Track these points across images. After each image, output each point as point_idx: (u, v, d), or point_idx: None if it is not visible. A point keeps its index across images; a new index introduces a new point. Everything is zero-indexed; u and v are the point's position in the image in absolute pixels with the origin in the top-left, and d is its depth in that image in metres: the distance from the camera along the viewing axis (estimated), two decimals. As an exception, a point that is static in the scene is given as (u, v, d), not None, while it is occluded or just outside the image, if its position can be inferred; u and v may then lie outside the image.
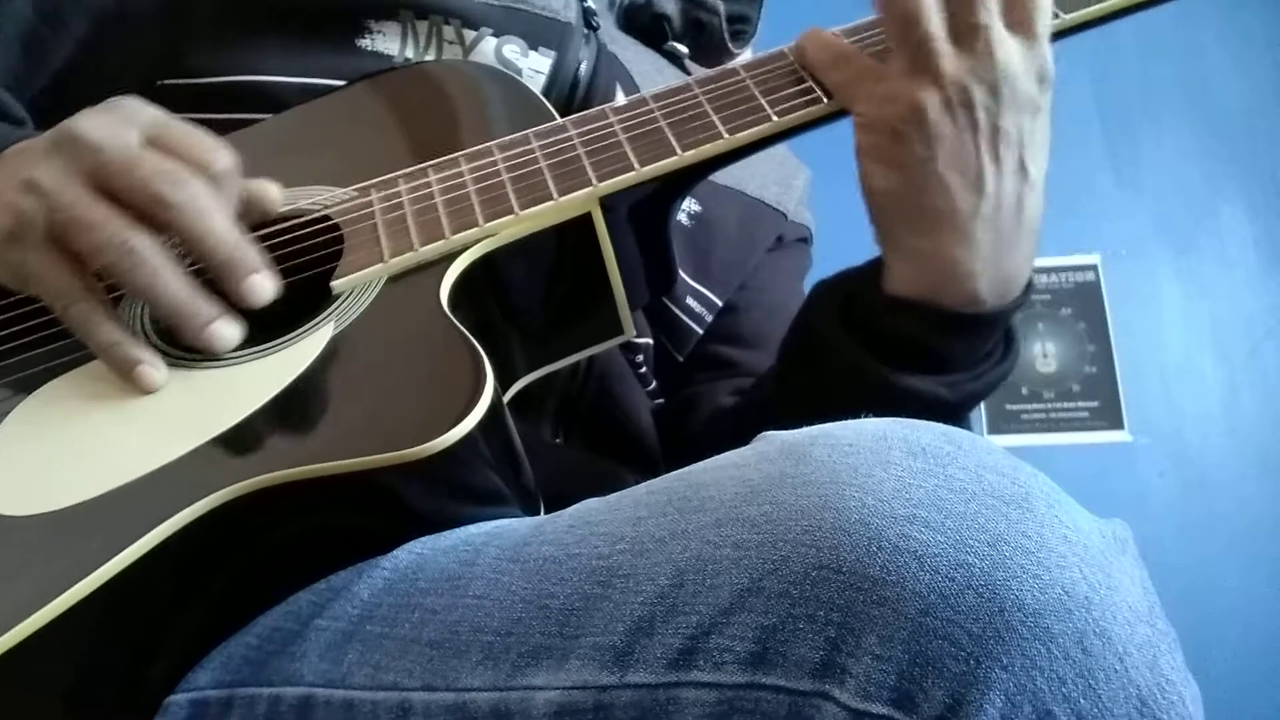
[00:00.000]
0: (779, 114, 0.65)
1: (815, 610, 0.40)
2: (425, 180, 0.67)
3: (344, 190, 0.68)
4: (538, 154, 0.66)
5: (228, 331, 0.58)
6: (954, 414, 0.67)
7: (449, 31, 0.79)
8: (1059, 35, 0.66)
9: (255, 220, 0.64)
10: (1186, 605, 1.86)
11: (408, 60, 0.78)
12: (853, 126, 0.65)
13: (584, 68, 0.82)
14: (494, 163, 0.66)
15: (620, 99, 0.83)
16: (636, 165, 0.64)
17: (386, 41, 0.78)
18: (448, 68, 0.78)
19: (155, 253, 0.56)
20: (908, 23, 0.61)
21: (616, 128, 0.67)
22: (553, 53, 0.81)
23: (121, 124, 0.59)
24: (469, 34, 0.79)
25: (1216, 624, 1.95)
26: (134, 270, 0.56)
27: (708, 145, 0.65)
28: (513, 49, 0.80)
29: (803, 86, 0.67)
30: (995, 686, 0.38)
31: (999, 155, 0.62)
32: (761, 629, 0.41)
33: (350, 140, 0.73)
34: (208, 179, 0.58)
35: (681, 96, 0.68)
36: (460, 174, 0.66)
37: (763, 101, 0.66)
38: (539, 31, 0.81)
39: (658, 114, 0.67)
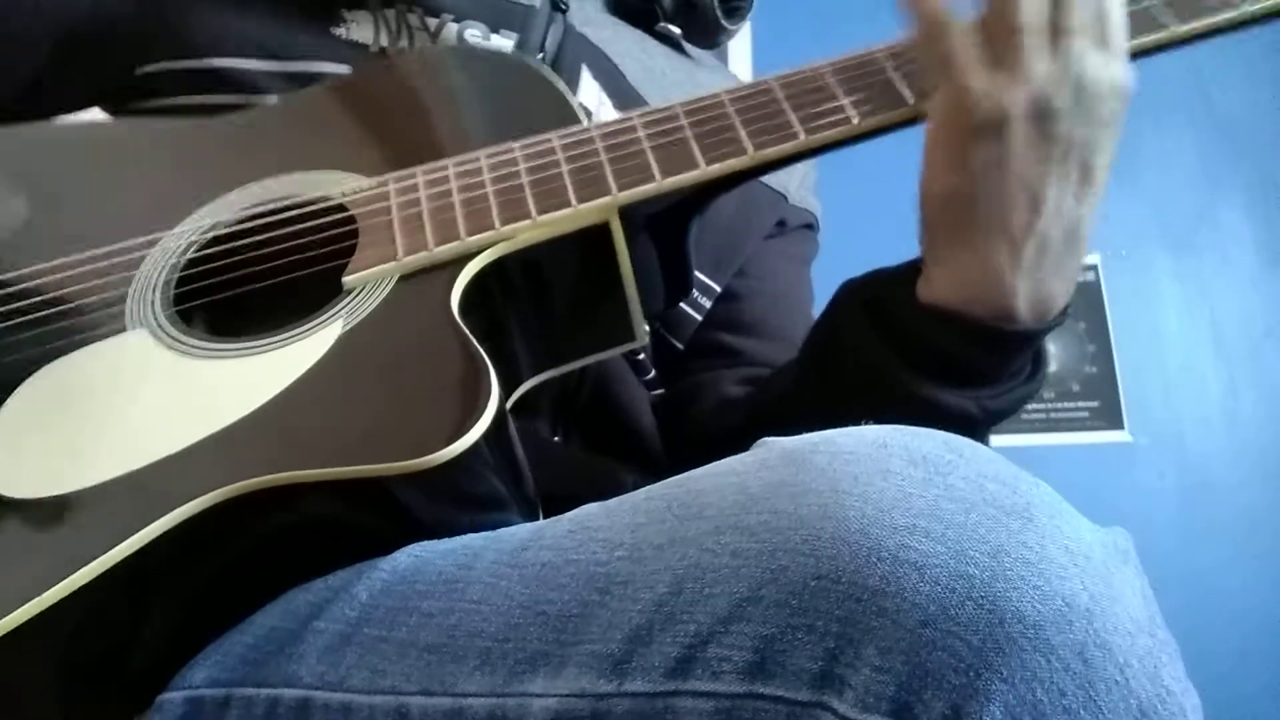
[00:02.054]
0: (808, 132, 0.64)
1: (814, 620, 0.40)
2: (444, 175, 0.66)
3: (362, 179, 0.67)
4: (560, 158, 0.65)
5: None
6: (977, 429, 0.65)
7: (414, 19, 0.79)
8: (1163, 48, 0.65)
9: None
10: (1186, 605, 1.86)
11: (383, 49, 0.78)
12: (929, 113, 0.63)
13: (547, 49, 0.82)
14: (514, 162, 0.66)
15: (585, 80, 0.83)
16: (658, 177, 0.64)
17: (361, 30, 0.78)
18: (474, 55, 0.78)
19: None
20: (1010, 14, 0.59)
21: (641, 135, 0.66)
22: (514, 35, 0.81)
23: None
24: (432, 21, 0.79)
25: (1216, 624, 1.95)
26: None
27: (732, 160, 0.64)
28: (474, 33, 0.80)
29: (834, 104, 0.65)
30: (995, 699, 0.38)
31: (1066, 169, 0.60)
32: (760, 639, 0.40)
33: (372, 126, 0.72)
34: None
35: (710, 106, 0.67)
36: (479, 172, 0.66)
37: (793, 118, 0.65)
38: (500, 15, 0.81)
39: (685, 124, 0.66)
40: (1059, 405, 2.18)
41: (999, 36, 0.60)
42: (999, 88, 0.59)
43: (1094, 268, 2.24)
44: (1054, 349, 2.22)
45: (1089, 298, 2.23)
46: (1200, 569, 2.01)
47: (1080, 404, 2.18)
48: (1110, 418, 2.17)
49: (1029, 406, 2.19)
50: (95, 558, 0.48)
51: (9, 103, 0.79)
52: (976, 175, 0.60)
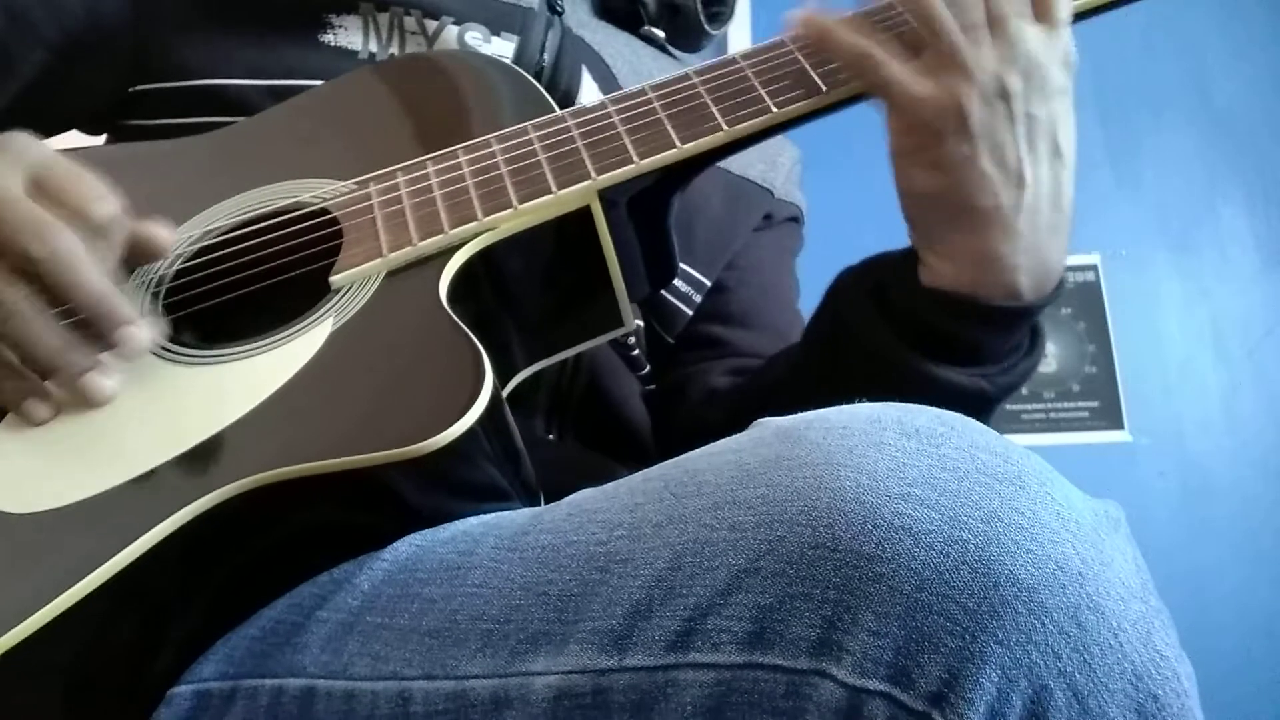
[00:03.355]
0: (778, 105, 0.65)
1: (812, 589, 0.40)
2: (424, 173, 0.66)
3: (343, 183, 0.68)
4: (536, 146, 0.66)
5: (100, 383, 0.57)
6: (988, 406, 0.67)
7: (410, 22, 0.79)
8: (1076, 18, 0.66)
9: (147, 262, 0.64)
10: (1186, 604, 1.86)
11: (372, 55, 0.78)
12: (886, 129, 0.64)
13: (547, 52, 0.82)
14: (492, 154, 0.66)
15: (586, 81, 0.84)
16: (635, 158, 0.64)
17: (349, 36, 0.78)
18: (445, 57, 0.78)
19: (25, 304, 0.55)
20: (931, 20, 0.61)
21: (615, 119, 0.66)
22: (515, 38, 0.81)
23: (4, 167, 0.58)
24: (430, 24, 0.80)
25: (1216, 623, 1.95)
26: (6, 320, 0.55)
27: (707, 137, 0.65)
28: (474, 36, 0.80)
29: (803, 77, 0.66)
30: (991, 661, 0.38)
31: (1035, 144, 0.62)
32: (759, 609, 0.41)
33: (349, 132, 0.73)
34: (84, 228, 0.56)
35: (680, 87, 0.67)
36: (459, 167, 0.66)
37: (762, 93, 0.66)
38: (500, 17, 0.82)
39: (657, 105, 0.67)
40: (1059, 405, 2.18)
41: (936, 41, 0.61)
42: (950, 87, 0.60)
43: (1094, 268, 2.24)
44: (1054, 349, 2.22)
45: (1089, 298, 2.23)
46: (1200, 569, 2.01)
47: (1080, 404, 2.18)
48: (1110, 418, 2.17)
49: (1029, 406, 2.19)
50: (98, 566, 0.48)
51: (11, 101, 0.79)
52: (953, 171, 0.61)
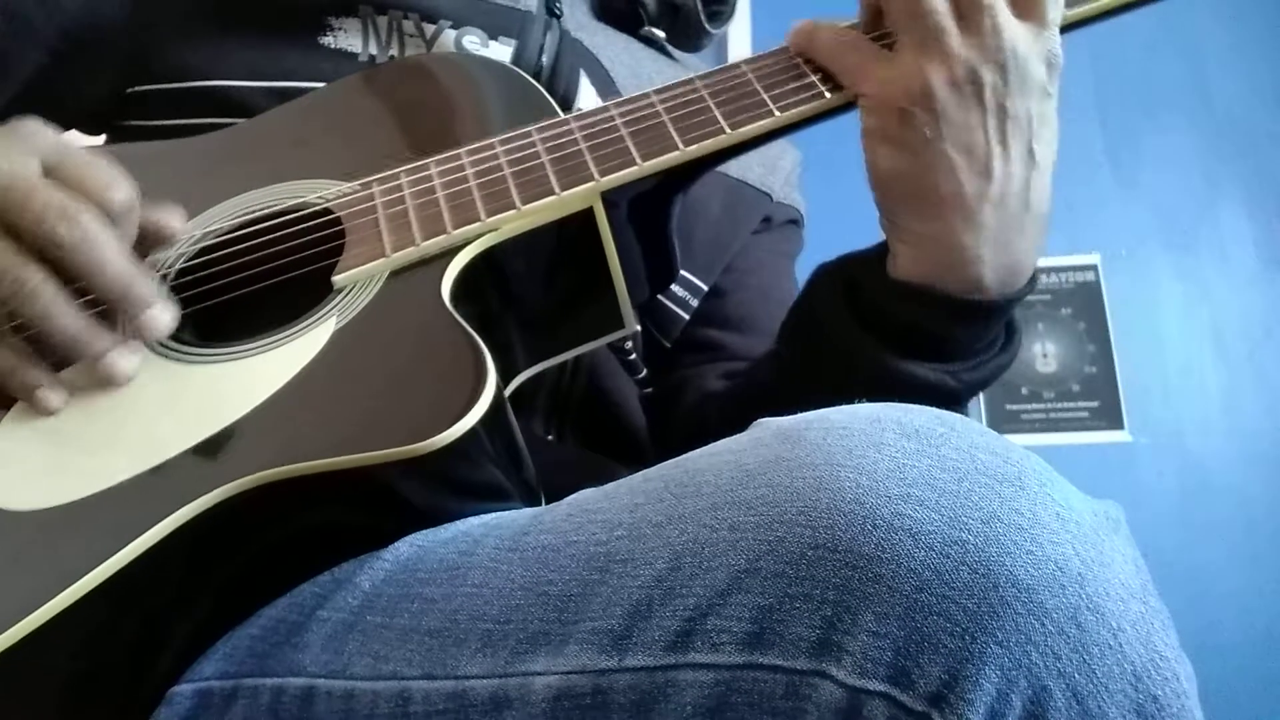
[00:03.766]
0: (781, 109, 0.65)
1: (811, 589, 0.40)
2: (427, 174, 0.67)
3: (345, 184, 0.68)
4: (539, 148, 0.66)
5: (123, 362, 0.58)
6: (954, 401, 0.66)
7: (409, 26, 0.79)
8: (1066, 28, 0.65)
9: (157, 248, 0.64)
10: (1186, 605, 1.86)
11: (372, 57, 0.78)
12: (858, 109, 0.64)
13: (545, 55, 0.82)
14: (495, 156, 0.66)
15: (585, 85, 0.84)
16: (639, 160, 0.64)
17: (349, 38, 0.78)
18: (448, 60, 0.78)
19: (47, 286, 0.55)
20: (916, 3, 0.61)
21: (618, 121, 0.67)
22: (513, 41, 0.81)
23: (20, 152, 0.58)
24: (428, 28, 0.80)
25: (1216, 623, 1.95)
26: (26, 303, 0.55)
27: (710, 140, 0.65)
28: (472, 40, 0.80)
29: (805, 81, 0.66)
30: (991, 662, 0.38)
31: (1006, 139, 0.61)
32: (758, 609, 0.41)
33: (351, 133, 0.73)
34: (103, 213, 0.57)
35: (683, 91, 0.68)
36: (462, 168, 0.66)
37: (765, 96, 0.66)
38: (498, 21, 0.81)
39: (659, 108, 0.67)
40: (1059, 405, 2.18)
41: (914, 22, 0.61)
42: (921, 66, 0.60)
43: (1094, 268, 2.24)
44: (1054, 349, 2.22)
45: (1089, 298, 2.23)
46: (1200, 569, 2.01)
47: (1080, 404, 2.18)
48: (1110, 418, 2.17)
49: (1029, 406, 2.19)
50: (100, 563, 0.48)
51: (9, 102, 0.79)
52: (917, 152, 0.61)
